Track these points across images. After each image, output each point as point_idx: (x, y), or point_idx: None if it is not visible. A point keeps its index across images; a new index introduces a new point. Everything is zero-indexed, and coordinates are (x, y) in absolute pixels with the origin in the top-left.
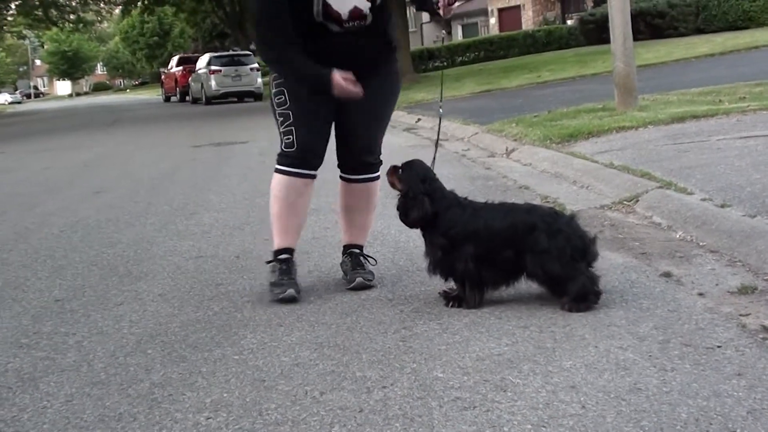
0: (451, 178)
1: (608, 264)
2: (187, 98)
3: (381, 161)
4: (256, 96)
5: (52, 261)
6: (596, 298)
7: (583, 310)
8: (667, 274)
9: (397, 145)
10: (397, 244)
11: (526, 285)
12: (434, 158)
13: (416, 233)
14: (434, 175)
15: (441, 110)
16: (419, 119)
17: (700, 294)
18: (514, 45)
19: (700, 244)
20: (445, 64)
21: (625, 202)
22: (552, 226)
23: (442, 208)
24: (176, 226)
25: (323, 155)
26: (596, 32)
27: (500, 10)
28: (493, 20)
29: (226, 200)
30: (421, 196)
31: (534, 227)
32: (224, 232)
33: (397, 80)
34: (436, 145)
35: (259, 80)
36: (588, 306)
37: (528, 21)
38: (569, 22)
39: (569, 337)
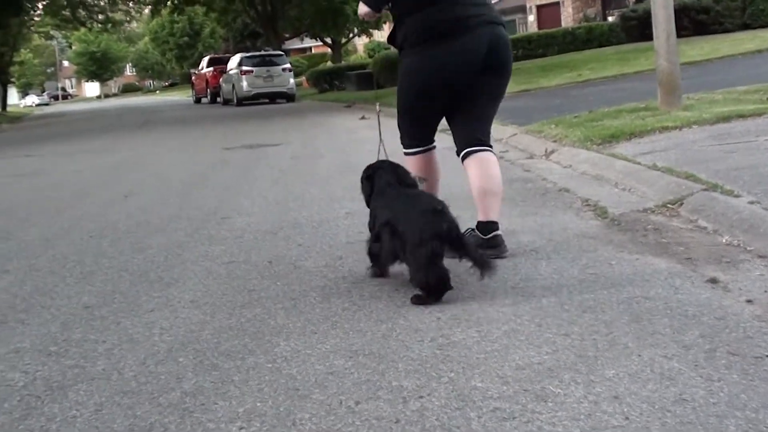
0: None
1: (652, 269)
2: (218, 99)
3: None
4: (289, 97)
5: (81, 267)
6: (429, 295)
7: (414, 302)
8: (714, 280)
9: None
10: None
11: (567, 293)
12: (379, 152)
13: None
14: (390, 165)
15: (378, 108)
16: None
17: (748, 301)
18: (554, 43)
19: (748, 248)
20: None
21: (669, 206)
22: (410, 214)
23: (375, 193)
24: (207, 230)
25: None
26: (638, 29)
27: (539, 7)
28: (531, 17)
29: (258, 204)
30: (365, 180)
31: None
32: (256, 236)
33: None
34: (380, 139)
35: (292, 81)
36: (418, 300)
37: (568, 18)
38: (610, 18)
39: (612, 346)
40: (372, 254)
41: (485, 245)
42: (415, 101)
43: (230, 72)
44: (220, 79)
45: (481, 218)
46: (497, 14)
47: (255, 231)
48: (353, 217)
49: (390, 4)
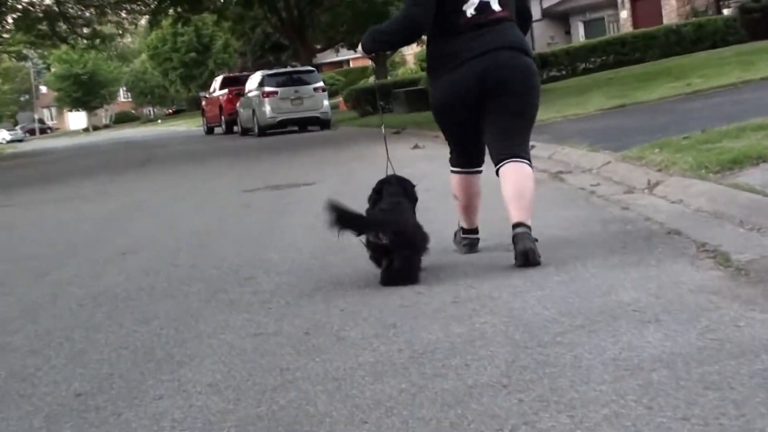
0: (577, 221)
1: None
2: (235, 129)
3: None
4: (323, 123)
5: (69, 344)
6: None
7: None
8: None
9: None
10: (510, 311)
11: (684, 365)
12: (387, 167)
13: (532, 304)
14: (397, 179)
15: (383, 129)
16: (532, 146)
17: None
18: (653, 45)
19: None
20: (564, 72)
21: None
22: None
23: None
24: (228, 294)
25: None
26: (763, 23)
27: (634, 2)
28: (624, 14)
29: (289, 259)
30: (374, 193)
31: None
32: (289, 301)
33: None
34: (387, 155)
35: (326, 103)
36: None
37: (671, 13)
38: (726, 12)
39: None
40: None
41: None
42: (441, 122)
43: (249, 95)
44: (237, 104)
45: (515, 220)
46: (511, 39)
47: (287, 294)
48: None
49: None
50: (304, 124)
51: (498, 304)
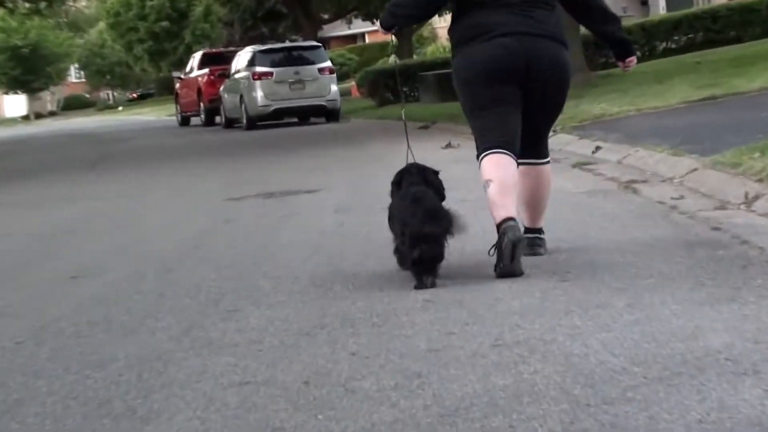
0: (654, 244)
1: None
2: (218, 120)
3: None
4: (330, 114)
5: (2, 393)
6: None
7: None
8: None
9: (565, 189)
10: (567, 358)
11: None
12: (407, 156)
13: (596, 349)
14: (417, 168)
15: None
16: (598, 148)
17: None
18: (754, 20)
19: None
20: (639, 53)
21: None
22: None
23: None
24: (206, 331)
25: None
26: None
27: None
28: None
29: (284, 288)
30: (394, 185)
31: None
32: (284, 341)
33: None
34: (407, 141)
35: (334, 88)
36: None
37: None
38: None
39: None
40: (397, 251)
41: (528, 245)
42: (474, 97)
43: (236, 76)
44: (221, 88)
45: (527, 224)
46: (552, 29)
47: (282, 332)
48: (437, 308)
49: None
50: (305, 115)
51: (552, 348)
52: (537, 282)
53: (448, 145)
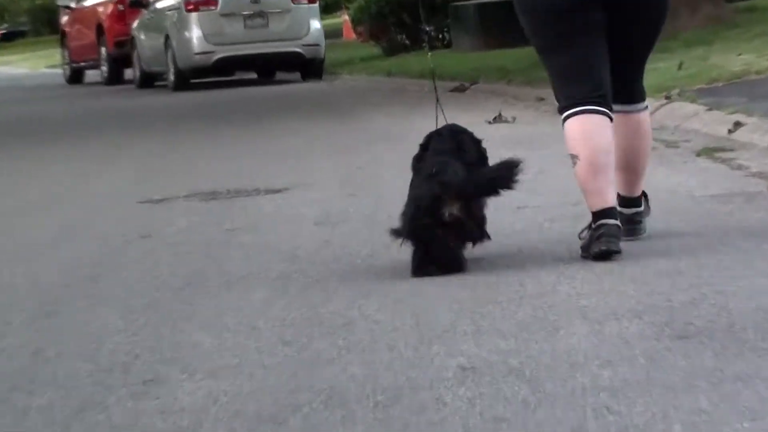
0: None
1: None
2: (129, 74)
3: None
4: (308, 66)
5: None
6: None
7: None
8: None
9: (685, 190)
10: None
11: None
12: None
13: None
14: (450, 132)
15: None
16: (737, 125)
17: None
18: None
19: None
20: None
21: None
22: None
23: None
24: (108, 413)
25: None
26: None
27: None
28: None
29: (236, 345)
30: (421, 150)
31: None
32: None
33: None
34: (436, 96)
35: (316, 25)
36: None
37: None
38: None
39: None
40: None
41: (623, 222)
42: (548, 36)
43: (159, 5)
44: (134, 25)
45: (622, 192)
46: None
47: (231, 415)
48: (478, 378)
49: None
50: (269, 68)
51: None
52: (639, 339)
53: (498, 118)
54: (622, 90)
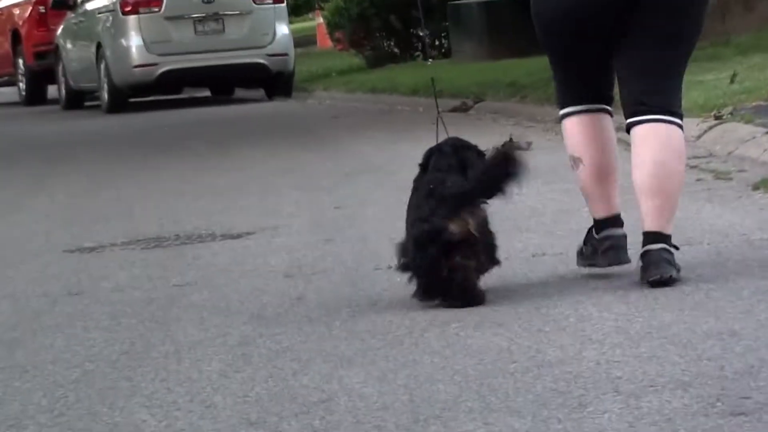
0: None
1: None
2: (52, 91)
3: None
4: (275, 81)
5: None
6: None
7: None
8: None
9: (737, 231)
10: None
11: None
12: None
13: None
14: (452, 147)
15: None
16: None
17: None
18: None
19: None
20: None
21: None
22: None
23: None
24: None
25: None
26: None
27: None
28: None
29: (185, 428)
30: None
31: None
32: None
33: None
34: (437, 110)
35: (284, 30)
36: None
37: None
38: None
39: None
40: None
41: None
42: (553, 46)
43: (90, 6)
44: (58, 32)
45: (645, 227)
46: None
47: None
48: None
49: None
50: (226, 83)
51: None
52: (684, 416)
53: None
54: (651, 99)
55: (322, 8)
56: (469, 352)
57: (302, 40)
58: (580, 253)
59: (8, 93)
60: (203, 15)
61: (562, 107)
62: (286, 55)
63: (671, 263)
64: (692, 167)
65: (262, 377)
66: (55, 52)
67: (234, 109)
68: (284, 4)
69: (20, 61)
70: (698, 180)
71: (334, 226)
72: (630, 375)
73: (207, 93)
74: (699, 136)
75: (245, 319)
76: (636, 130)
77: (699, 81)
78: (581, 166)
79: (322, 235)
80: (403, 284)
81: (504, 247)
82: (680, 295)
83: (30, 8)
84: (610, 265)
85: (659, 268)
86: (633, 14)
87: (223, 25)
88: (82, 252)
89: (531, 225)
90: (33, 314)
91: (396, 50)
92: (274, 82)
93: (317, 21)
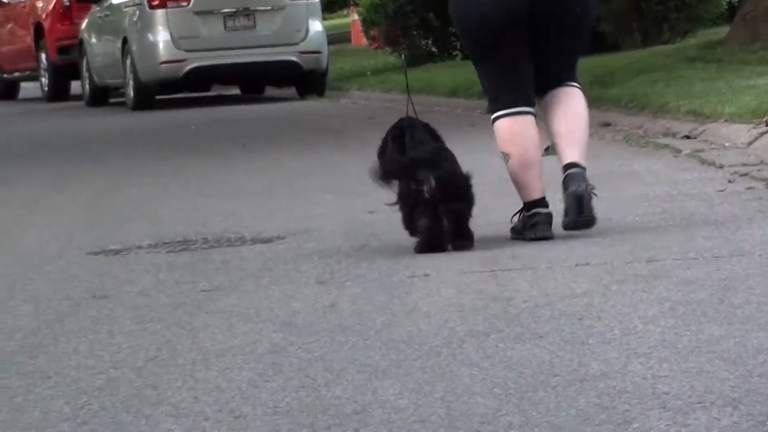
0: None
1: None
2: (76, 88)
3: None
4: (306, 80)
5: None
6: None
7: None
8: None
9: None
10: None
11: None
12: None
13: None
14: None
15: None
16: None
17: None
18: None
19: None
20: None
21: None
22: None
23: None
24: None
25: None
26: None
27: None
28: None
29: None
30: (390, 141)
31: None
32: None
33: None
34: (407, 90)
35: (317, 27)
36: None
37: None
38: None
39: None
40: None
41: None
42: (481, 49)
43: (115, 2)
44: (82, 26)
45: (566, 161)
46: None
47: None
48: None
49: None
50: (257, 82)
51: None
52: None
53: (550, 150)
54: (558, 76)
55: (357, 4)
56: (509, 365)
57: (336, 38)
58: (513, 229)
59: (30, 88)
60: (233, 10)
61: (496, 111)
62: (319, 52)
63: (585, 179)
64: (742, 175)
65: (293, 387)
66: (79, 46)
67: (264, 108)
68: (317, 0)
69: (43, 56)
70: (749, 188)
71: (369, 231)
72: (677, 391)
73: (236, 91)
74: (750, 143)
75: (276, 327)
76: (549, 96)
77: (751, 85)
78: (509, 161)
79: (356, 240)
80: (440, 292)
81: (546, 257)
82: (730, 309)
83: (54, 1)
84: (536, 237)
85: (576, 181)
86: (538, 22)
87: (254, 21)
88: (106, 254)
89: (574, 233)
90: (55, 318)
91: (434, 49)
92: (306, 80)
93: (352, 18)
